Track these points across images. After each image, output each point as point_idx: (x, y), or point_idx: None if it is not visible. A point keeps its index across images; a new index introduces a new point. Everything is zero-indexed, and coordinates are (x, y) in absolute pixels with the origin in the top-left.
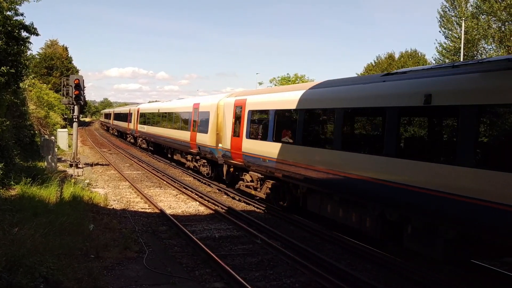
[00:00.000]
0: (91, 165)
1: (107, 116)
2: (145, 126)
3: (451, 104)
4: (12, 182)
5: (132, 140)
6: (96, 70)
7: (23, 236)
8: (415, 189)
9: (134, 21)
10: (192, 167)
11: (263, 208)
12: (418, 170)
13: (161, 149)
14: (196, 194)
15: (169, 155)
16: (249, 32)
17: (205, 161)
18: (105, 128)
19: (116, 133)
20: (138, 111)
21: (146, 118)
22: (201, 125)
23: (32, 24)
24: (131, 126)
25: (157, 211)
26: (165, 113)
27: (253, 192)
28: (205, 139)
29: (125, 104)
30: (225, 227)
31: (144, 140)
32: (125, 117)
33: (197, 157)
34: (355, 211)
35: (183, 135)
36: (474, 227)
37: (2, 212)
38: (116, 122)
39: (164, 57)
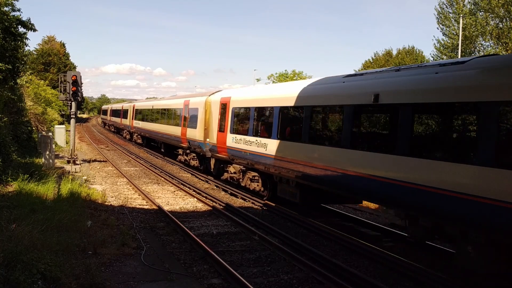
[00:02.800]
0: (89, 161)
1: (117, 113)
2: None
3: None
4: (9, 179)
5: (212, 170)
6: (93, 66)
7: (20, 233)
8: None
9: (131, 17)
10: None
11: (261, 205)
12: None
13: None
14: (194, 191)
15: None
16: (247, 29)
17: None
18: (114, 129)
19: (139, 141)
20: (228, 107)
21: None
22: None
23: (29, 19)
24: (195, 134)
25: (155, 207)
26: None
27: None
28: None
29: (123, 100)
30: (223, 223)
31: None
32: (171, 116)
33: None
34: None
35: None
36: None
37: None
38: (142, 124)
39: (162, 53)
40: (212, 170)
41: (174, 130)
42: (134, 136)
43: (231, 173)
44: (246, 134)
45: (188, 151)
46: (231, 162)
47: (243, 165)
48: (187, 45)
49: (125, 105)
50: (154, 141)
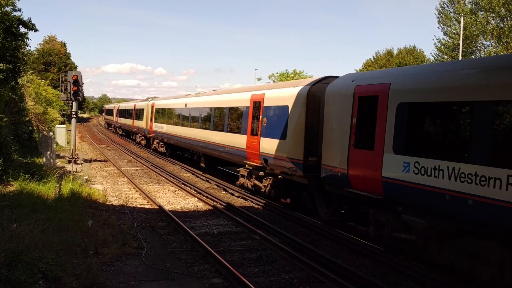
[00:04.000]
0: (90, 161)
1: (127, 113)
2: None
3: None
4: (10, 178)
5: None
6: (94, 66)
7: (21, 232)
8: None
9: (131, 16)
10: None
11: (262, 204)
12: None
13: None
14: (195, 190)
15: None
16: (247, 29)
17: None
18: (122, 133)
19: (162, 149)
20: (381, 103)
21: None
22: None
23: (30, 19)
24: (282, 148)
25: (155, 207)
26: None
27: None
28: None
29: (124, 100)
30: (224, 223)
31: None
32: (224, 118)
33: None
34: None
35: None
36: None
37: (0, 208)
38: (167, 129)
39: (162, 53)
40: (321, 211)
41: (230, 139)
42: (154, 142)
43: (399, 233)
44: (457, 159)
45: (261, 172)
46: (391, 209)
47: (447, 223)
48: (188, 44)
49: (139, 104)
50: (185, 150)
